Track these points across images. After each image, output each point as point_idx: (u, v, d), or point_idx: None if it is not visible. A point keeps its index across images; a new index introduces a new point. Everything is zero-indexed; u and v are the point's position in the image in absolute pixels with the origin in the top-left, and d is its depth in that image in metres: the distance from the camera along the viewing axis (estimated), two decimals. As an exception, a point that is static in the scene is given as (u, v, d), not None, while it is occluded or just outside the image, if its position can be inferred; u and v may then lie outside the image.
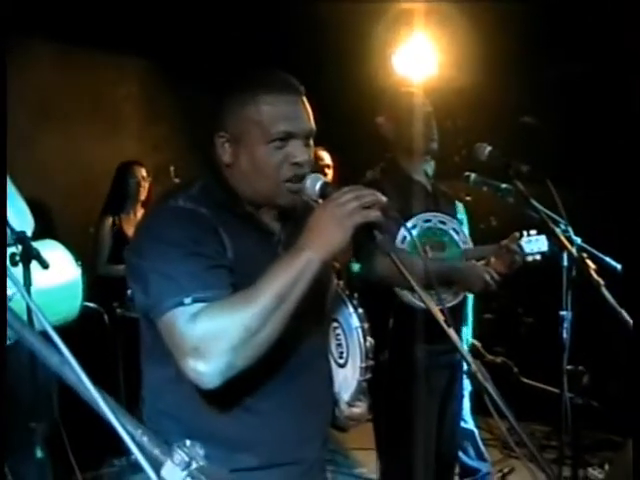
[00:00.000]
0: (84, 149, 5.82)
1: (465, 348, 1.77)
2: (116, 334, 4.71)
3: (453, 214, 3.52)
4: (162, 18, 5.63)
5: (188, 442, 1.02)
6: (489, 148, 3.17)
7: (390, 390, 3.16)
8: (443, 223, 3.36)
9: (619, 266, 3.59)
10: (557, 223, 3.18)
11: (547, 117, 5.70)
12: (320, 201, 1.85)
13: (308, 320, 1.89)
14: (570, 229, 3.27)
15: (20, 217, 3.44)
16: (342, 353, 2.09)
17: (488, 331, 5.07)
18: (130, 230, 5.32)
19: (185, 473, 0.98)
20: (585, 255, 3.08)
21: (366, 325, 2.03)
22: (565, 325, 3.58)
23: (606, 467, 4.68)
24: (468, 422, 4.58)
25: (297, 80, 1.95)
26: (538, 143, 5.42)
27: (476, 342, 4.99)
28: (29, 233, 3.33)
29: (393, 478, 3.40)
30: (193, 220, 1.82)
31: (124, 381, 4.63)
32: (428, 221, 3.30)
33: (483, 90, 5.70)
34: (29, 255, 3.11)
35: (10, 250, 3.11)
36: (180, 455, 1.00)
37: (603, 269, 3.16)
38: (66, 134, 5.70)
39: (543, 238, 3.39)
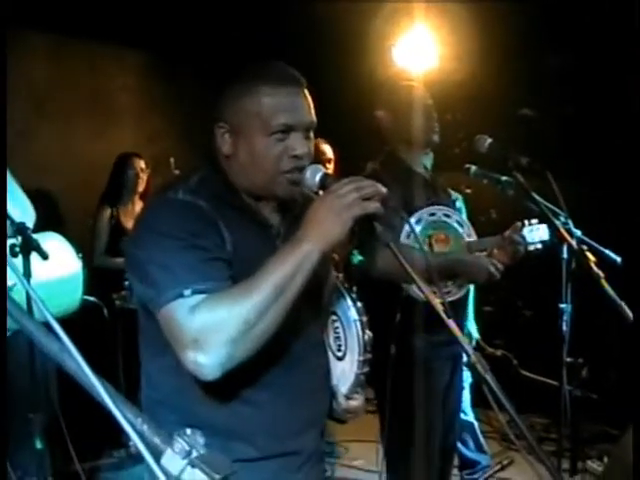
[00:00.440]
0: (81, 141, 5.83)
1: (466, 340, 1.76)
2: (115, 326, 4.71)
3: (452, 206, 3.52)
4: (159, 9, 5.62)
5: (189, 431, 1.02)
6: (489, 140, 3.16)
7: (396, 383, 3.17)
8: (447, 216, 3.36)
9: (619, 259, 3.59)
10: (557, 215, 3.17)
11: (547, 109, 5.70)
12: (320, 192, 1.85)
13: (306, 312, 1.90)
14: (570, 221, 3.26)
15: (21, 209, 3.44)
16: (340, 346, 2.09)
17: (487, 324, 5.06)
18: (128, 222, 5.32)
19: (185, 462, 0.98)
20: (585, 248, 3.08)
21: (365, 318, 2.03)
22: (565, 318, 3.58)
23: (605, 459, 4.69)
24: (468, 414, 4.60)
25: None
26: (537, 135, 5.43)
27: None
28: (30, 225, 3.33)
29: (397, 471, 3.40)
30: (192, 212, 1.81)
31: (123, 373, 4.64)
32: (433, 214, 3.30)
33: (483, 82, 5.69)
34: (29, 246, 3.11)
35: (10, 241, 3.11)
36: (180, 443, 1.00)
37: (603, 262, 3.16)
38: (63, 126, 5.70)
39: (544, 227, 3.39)
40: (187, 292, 1.69)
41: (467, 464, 4.63)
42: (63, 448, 3.78)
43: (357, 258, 3.48)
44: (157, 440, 1.01)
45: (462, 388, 3.91)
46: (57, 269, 3.59)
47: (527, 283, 5.46)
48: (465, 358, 1.71)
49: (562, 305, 3.59)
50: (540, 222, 3.39)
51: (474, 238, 3.43)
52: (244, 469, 1.85)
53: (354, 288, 2.09)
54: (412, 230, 3.05)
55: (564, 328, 3.58)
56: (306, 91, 1.92)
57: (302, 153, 1.87)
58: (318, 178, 1.84)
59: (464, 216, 3.63)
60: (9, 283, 1.14)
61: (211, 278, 1.73)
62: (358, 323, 2.02)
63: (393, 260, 1.75)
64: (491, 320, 5.44)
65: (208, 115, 1.96)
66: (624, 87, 4.66)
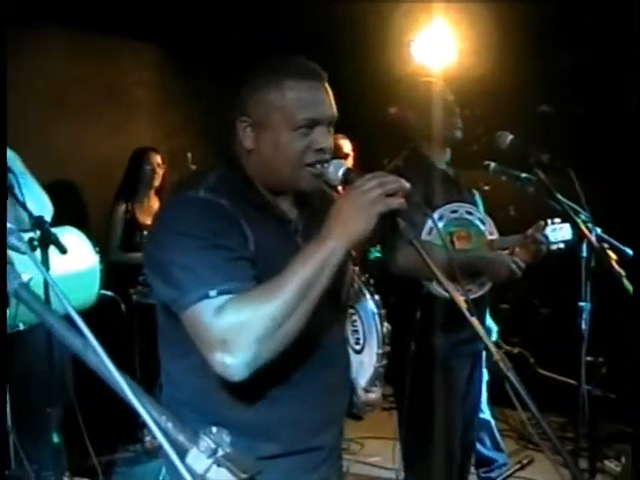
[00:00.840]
0: (99, 136, 5.80)
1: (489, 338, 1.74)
2: (132, 320, 4.71)
3: (474, 203, 3.50)
4: (175, 4, 5.60)
5: (214, 429, 1.01)
6: (510, 136, 3.14)
7: (415, 380, 3.16)
8: (469, 213, 3.33)
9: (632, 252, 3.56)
10: (577, 213, 3.15)
11: (565, 106, 5.67)
12: (341, 188, 1.83)
13: (328, 308, 1.88)
14: (590, 219, 3.24)
15: (37, 203, 3.44)
16: (358, 339, 2.09)
17: (504, 322, 5.03)
18: (143, 217, 5.32)
19: (211, 460, 0.97)
20: (606, 246, 3.05)
21: (383, 311, 2.02)
22: (584, 316, 3.56)
23: (622, 459, 4.66)
24: (484, 412, 4.57)
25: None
26: (555, 132, 5.39)
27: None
28: (48, 219, 3.32)
29: (416, 468, 3.39)
30: (214, 211, 1.79)
31: (140, 368, 4.64)
32: (455, 212, 3.27)
33: (501, 78, 5.66)
34: (47, 240, 3.11)
35: (28, 235, 3.11)
36: (206, 442, 0.98)
37: (622, 260, 3.13)
38: (80, 121, 5.68)
39: (567, 226, 3.36)
40: (213, 293, 1.67)
41: (484, 462, 4.60)
42: (79, 442, 3.78)
43: (374, 254, 3.46)
44: (181, 438, 1.00)
45: (482, 386, 3.89)
46: (74, 263, 3.60)
47: (544, 281, 5.42)
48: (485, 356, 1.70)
49: (581, 303, 3.57)
50: (563, 221, 3.37)
51: (496, 236, 3.40)
52: (267, 465, 1.85)
53: (371, 281, 2.08)
54: (435, 226, 3.04)
55: (583, 326, 3.55)
56: (327, 85, 1.91)
57: (326, 147, 1.86)
58: (341, 173, 1.83)
59: (482, 213, 3.61)
60: (25, 278, 1.13)
61: (236, 278, 1.71)
62: (377, 316, 2.02)
63: (414, 257, 1.73)
64: (508, 318, 5.42)
65: (225, 110, 1.94)
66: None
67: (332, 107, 1.91)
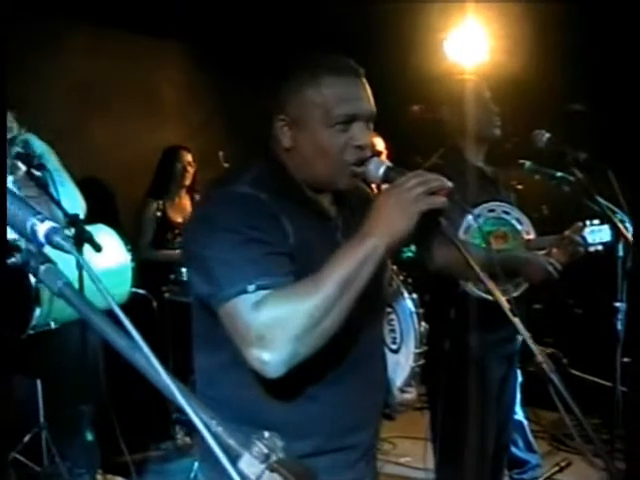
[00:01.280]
0: (128, 134, 5.83)
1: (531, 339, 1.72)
2: (164, 318, 4.71)
3: (512, 202, 3.46)
4: (202, 2, 5.60)
5: (267, 434, 0.99)
6: (547, 135, 3.11)
7: (449, 380, 3.13)
8: (507, 213, 3.30)
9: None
10: (614, 213, 3.11)
11: (598, 104, 5.61)
12: (382, 186, 1.81)
13: (366, 307, 1.85)
14: (628, 219, 3.20)
15: (72, 201, 3.45)
16: (395, 339, 2.08)
17: (537, 322, 4.98)
18: (174, 215, 5.33)
19: (264, 466, 0.95)
20: (642, 246, 3.02)
21: (420, 310, 2.01)
22: (619, 317, 3.51)
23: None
24: (517, 413, 4.53)
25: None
26: (587, 131, 5.34)
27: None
28: (82, 217, 3.34)
29: (449, 469, 3.36)
30: (253, 206, 1.77)
31: (173, 366, 4.64)
32: (492, 211, 3.24)
33: (534, 77, 5.62)
34: (82, 238, 3.11)
35: (64, 233, 3.11)
36: (259, 447, 0.97)
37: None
38: (108, 120, 5.70)
39: (606, 228, 3.31)
40: (251, 288, 1.65)
41: (516, 463, 4.56)
42: (112, 440, 3.79)
43: (406, 254, 3.44)
44: (232, 442, 0.98)
45: (516, 387, 3.85)
46: (106, 261, 3.61)
47: (578, 281, 5.37)
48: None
49: (617, 304, 3.53)
50: (601, 222, 3.32)
51: (533, 236, 3.36)
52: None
53: (409, 280, 2.06)
54: (476, 225, 3.01)
55: (619, 327, 3.51)
56: (365, 81, 1.89)
57: (365, 143, 1.84)
58: (382, 171, 1.81)
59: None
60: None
61: (274, 273, 1.69)
62: (415, 315, 2.01)
63: (452, 255, 1.72)
64: (541, 318, 5.37)
65: (261, 109, 1.93)
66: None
67: (370, 103, 1.88)
